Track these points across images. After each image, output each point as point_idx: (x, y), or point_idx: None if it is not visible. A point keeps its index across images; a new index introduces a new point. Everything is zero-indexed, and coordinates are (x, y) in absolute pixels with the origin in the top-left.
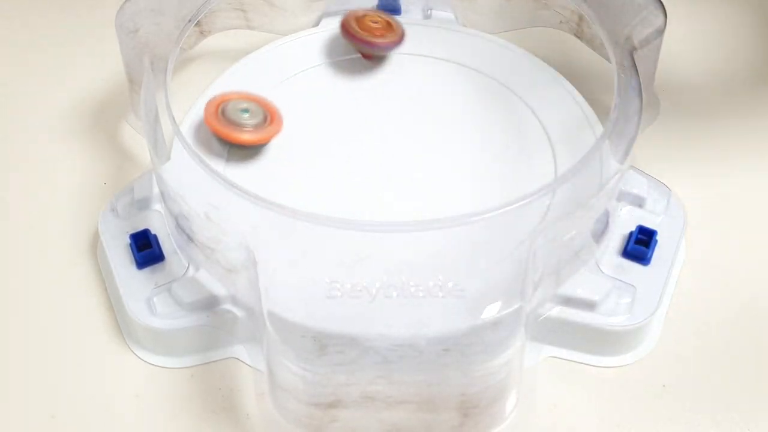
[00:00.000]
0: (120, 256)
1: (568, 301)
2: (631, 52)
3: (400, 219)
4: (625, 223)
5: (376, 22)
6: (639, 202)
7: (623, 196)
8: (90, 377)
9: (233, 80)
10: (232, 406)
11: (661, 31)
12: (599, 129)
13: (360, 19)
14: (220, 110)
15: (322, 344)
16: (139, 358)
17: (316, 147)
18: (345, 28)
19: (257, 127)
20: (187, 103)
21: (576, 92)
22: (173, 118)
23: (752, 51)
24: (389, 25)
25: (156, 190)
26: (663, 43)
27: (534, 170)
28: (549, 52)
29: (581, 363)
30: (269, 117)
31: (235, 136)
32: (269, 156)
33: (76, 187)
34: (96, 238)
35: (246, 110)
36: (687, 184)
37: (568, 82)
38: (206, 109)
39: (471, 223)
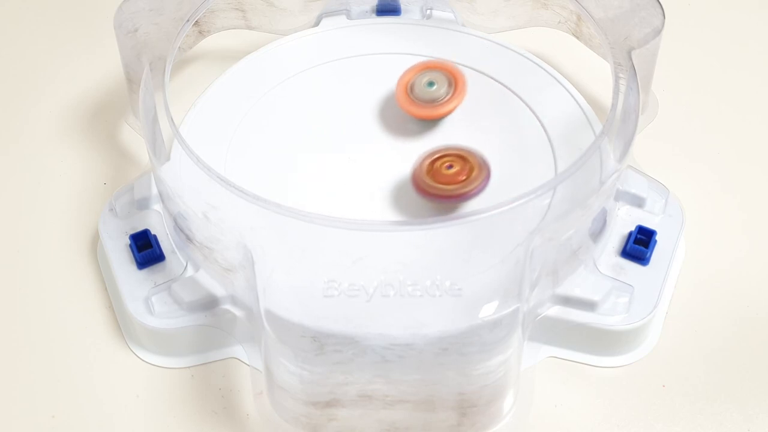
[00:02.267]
0: (120, 256)
1: (566, 301)
2: (630, 51)
3: (399, 218)
4: (624, 222)
5: (450, 166)
6: (637, 202)
7: (621, 196)
8: (90, 377)
9: (233, 80)
10: (231, 406)
11: (659, 31)
12: (599, 128)
13: (431, 167)
14: (408, 90)
15: (319, 343)
16: (139, 358)
17: (315, 146)
18: (418, 185)
19: (447, 96)
20: (187, 104)
21: (575, 92)
22: (171, 119)
23: (751, 51)
24: (464, 160)
25: (155, 190)
26: (661, 43)
27: (534, 170)
28: (549, 52)
29: (581, 363)
30: (453, 81)
31: (432, 113)
32: (268, 156)
33: (76, 187)
34: (96, 238)
35: (431, 83)
36: (685, 184)
37: (567, 82)
38: (397, 94)
39: (469, 222)
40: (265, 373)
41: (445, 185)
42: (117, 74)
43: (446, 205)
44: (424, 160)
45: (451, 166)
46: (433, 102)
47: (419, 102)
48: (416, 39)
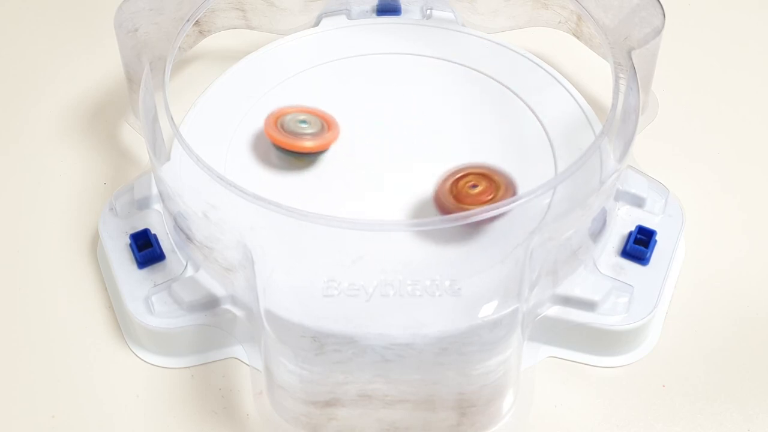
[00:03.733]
0: (120, 255)
1: (566, 301)
2: (630, 51)
3: (399, 218)
4: (624, 222)
5: (474, 186)
6: (637, 202)
7: (621, 196)
8: (90, 377)
9: (233, 80)
10: (231, 406)
11: (659, 31)
12: (599, 128)
13: (455, 187)
14: (279, 123)
15: (319, 343)
16: (139, 358)
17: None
18: (443, 207)
19: (316, 135)
20: (188, 103)
21: (576, 92)
22: (172, 119)
23: (751, 51)
24: (490, 180)
25: (155, 189)
26: (661, 43)
27: (534, 170)
28: (549, 52)
29: (580, 363)
30: (326, 125)
31: (298, 144)
32: (267, 156)
33: (76, 187)
34: (96, 238)
35: (304, 121)
36: (685, 184)
37: (568, 82)
38: (266, 123)
39: (468, 222)
40: (265, 372)
41: (471, 206)
42: (117, 74)
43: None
44: (446, 180)
45: (475, 186)
46: (298, 135)
47: (286, 132)
48: (416, 39)
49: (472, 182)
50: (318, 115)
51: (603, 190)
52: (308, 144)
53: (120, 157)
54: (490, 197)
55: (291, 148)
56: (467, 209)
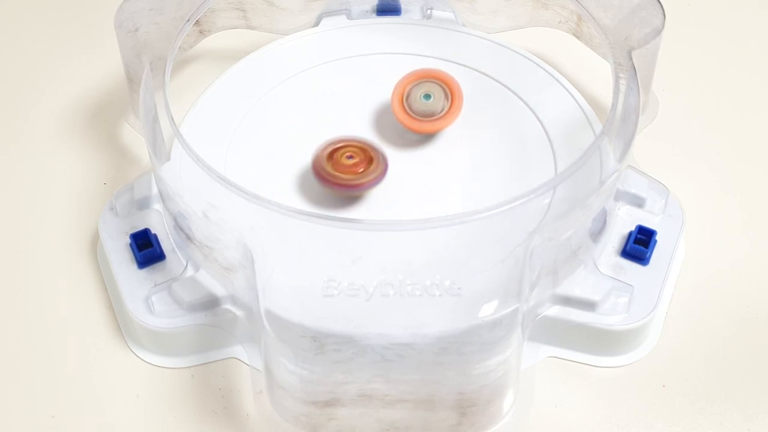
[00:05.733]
0: (120, 255)
1: (566, 301)
2: (630, 51)
3: (399, 218)
4: (624, 222)
5: (350, 156)
6: (637, 202)
7: (621, 196)
8: (90, 377)
9: (233, 80)
10: (231, 406)
11: (659, 31)
12: (599, 128)
13: (332, 156)
14: (404, 100)
15: (319, 343)
16: (139, 358)
17: (315, 146)
18: (317, 171)
19: (442, 111)
20: (188, 103)
21: (576, 92)
22: (172, 118)
23: (751, 51)
24: (365, 153)
25: (155, 189)
26: (661, 43)
27: (534, 170)
28: (549, 52)
29: (581, 363)
30: (450, 95)
31: (425, 128)
32: (268, 156)
33: (76, 187)
34: (96, 238)
35: (428, 95)
36: (685, 184)
37: (568, 82)
38: (392, 100)
39: (468, 222)
40: (264, 372)
41: (343, 174)
42: (117, 74)
43: (342, 193)
44: (325, 147)
45: (351, 157)
46: (430, 116)
47: (415, 115)
48: (416, 39)
49: (349, 153)
50: (442, 82)
51: (603, 190)
52: (433, 127)
53: (120, 157)
54: (362, 169)
55: (421, 132)
56: (341, 177)
